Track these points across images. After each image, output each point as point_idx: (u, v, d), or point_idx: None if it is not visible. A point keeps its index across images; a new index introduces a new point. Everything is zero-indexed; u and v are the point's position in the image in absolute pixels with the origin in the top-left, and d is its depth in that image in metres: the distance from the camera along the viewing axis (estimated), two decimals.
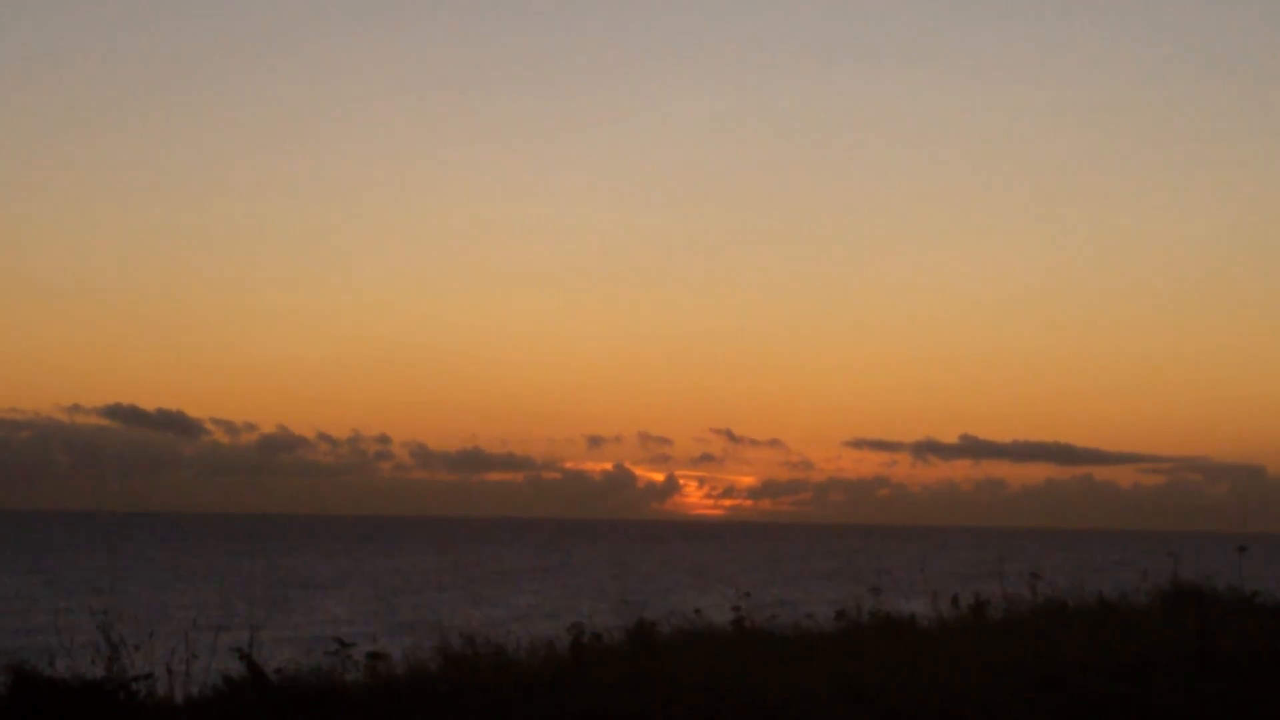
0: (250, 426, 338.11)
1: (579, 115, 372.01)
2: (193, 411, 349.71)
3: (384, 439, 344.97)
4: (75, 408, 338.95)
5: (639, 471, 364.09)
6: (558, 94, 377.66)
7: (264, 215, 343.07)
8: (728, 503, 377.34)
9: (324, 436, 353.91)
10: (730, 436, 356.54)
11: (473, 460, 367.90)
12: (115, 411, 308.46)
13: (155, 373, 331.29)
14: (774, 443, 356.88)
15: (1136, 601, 21.09)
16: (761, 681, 13.95)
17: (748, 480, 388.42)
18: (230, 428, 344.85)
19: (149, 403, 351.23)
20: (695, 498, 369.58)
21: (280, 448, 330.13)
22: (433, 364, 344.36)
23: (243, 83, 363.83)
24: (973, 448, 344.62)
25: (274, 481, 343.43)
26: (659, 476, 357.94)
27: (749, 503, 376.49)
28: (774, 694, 13.42)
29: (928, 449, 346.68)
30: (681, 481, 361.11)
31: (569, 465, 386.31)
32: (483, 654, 14.96)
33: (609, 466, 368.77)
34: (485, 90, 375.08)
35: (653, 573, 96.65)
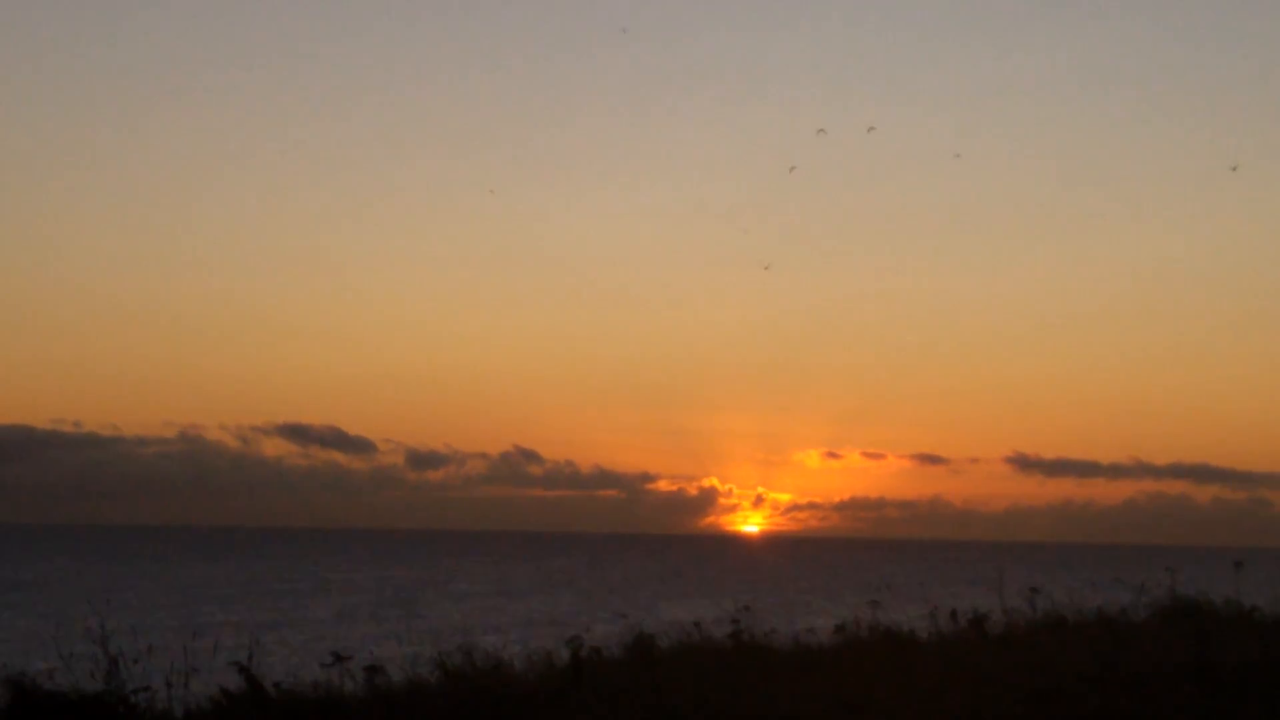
0: (395, 443, 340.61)
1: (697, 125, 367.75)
2: (353, 429, 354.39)
3: (534, 457, 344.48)
4: (244, 426, 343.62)
5: (733, 487, 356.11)
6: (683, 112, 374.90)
7: (420, 232, 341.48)
8: (801, 516, 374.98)
9: (465, 454, 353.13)
10: (870, 454, 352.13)
11: (599, 478, 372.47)
12: (287, 430, 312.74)
13: (322, 390, 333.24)
14: (933, 458, 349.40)
15: (1135, 616, 21.09)
16: (760, 695, 13.94)
17: (851, 495, 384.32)
18: (392, 446, 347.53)
19: (317, 420, 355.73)
20: (776, 512, 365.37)
21: (428, 464, 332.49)
22: (581, 380, 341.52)
23: (394, 95, 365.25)
24: (1136, 468, 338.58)
25: (420, 496, 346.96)
26: (753, 492, 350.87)
27: (813, 520, 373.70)
28: (772, 708, 13.42)
29: (1075, 468, 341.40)
30: (765, 497, 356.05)
31: (660, 486, 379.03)
32: (481, 667, 14.94)
33: (710, 483, 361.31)
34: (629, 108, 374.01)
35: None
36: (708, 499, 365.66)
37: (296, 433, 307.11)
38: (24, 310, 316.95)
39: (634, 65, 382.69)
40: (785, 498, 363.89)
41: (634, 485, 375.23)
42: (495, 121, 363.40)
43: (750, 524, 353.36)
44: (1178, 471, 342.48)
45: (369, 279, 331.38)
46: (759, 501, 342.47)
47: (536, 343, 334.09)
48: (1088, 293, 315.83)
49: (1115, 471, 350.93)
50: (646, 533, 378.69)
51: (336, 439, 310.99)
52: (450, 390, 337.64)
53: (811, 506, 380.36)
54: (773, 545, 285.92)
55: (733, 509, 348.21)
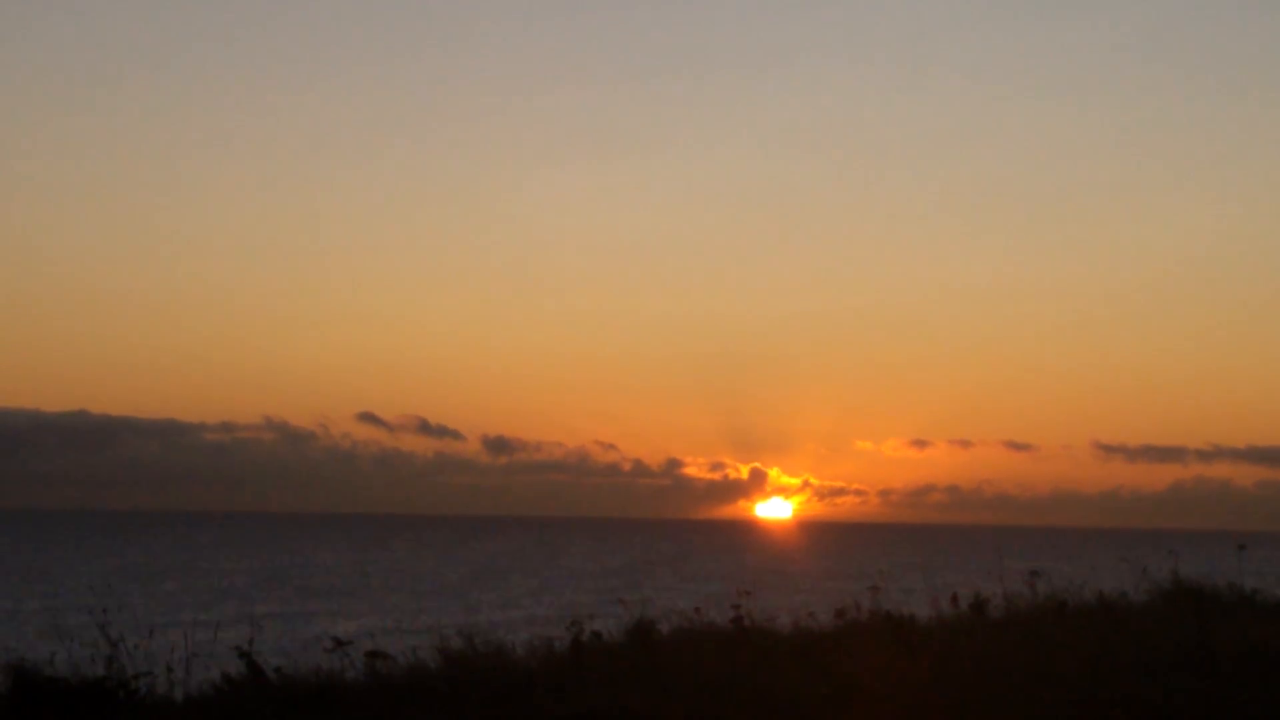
0: (476, 432, 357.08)
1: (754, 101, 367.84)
2: (434, 419, 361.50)
3: (609, 447, 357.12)
4: (327, 414, 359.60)
5: (777, 471, 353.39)
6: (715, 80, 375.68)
7: (502, 219, 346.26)
8: (841, 502, 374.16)
9: (539, 443, 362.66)
10: (958, 442, 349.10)
11: (666, 466, 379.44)
12: (368, 418, 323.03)
13: (402, 380, 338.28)
14: (1020, 445, 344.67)
15: (1136, 600, 21.12)
16: (761, 680, 13.98)
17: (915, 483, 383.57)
18: (473, 435, 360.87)
19: (390, 412, 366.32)
20: (817, 498, 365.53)
21: (501, 452, 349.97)
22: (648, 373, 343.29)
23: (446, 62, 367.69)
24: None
25: (487, 483, 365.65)
26: (798, 479, 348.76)
27: (854, 505, 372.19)
28: (773, 692, 13.45)
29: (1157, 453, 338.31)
30: (810, 483, 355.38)
31: (714, 475, 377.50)
32: (482, 653, 14.97)
33: (748, 469, 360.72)
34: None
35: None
36: (750, 485, 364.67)
37: (377, 421, 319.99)
38: (116, 303, 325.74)
39: (706, 37, 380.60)
40: (837, 484, 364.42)
41: (682, 472, 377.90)
42: (563, 97, 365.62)
43: (780, 509, 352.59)
44: (1254, 456, 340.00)
45: (452, 269, 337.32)
46: (803, 487, 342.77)
47: (616, 331, 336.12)
48: (1172, 272, 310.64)
49: (1198, 456, 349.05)
50: (671, 517, 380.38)
51: (419, 427, 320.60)
52: (530, 380, 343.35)
53: (857, 493, 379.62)
54: (798, 529, 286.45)
55: (771, 494, 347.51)
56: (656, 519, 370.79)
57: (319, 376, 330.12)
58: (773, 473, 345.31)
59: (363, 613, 55.52)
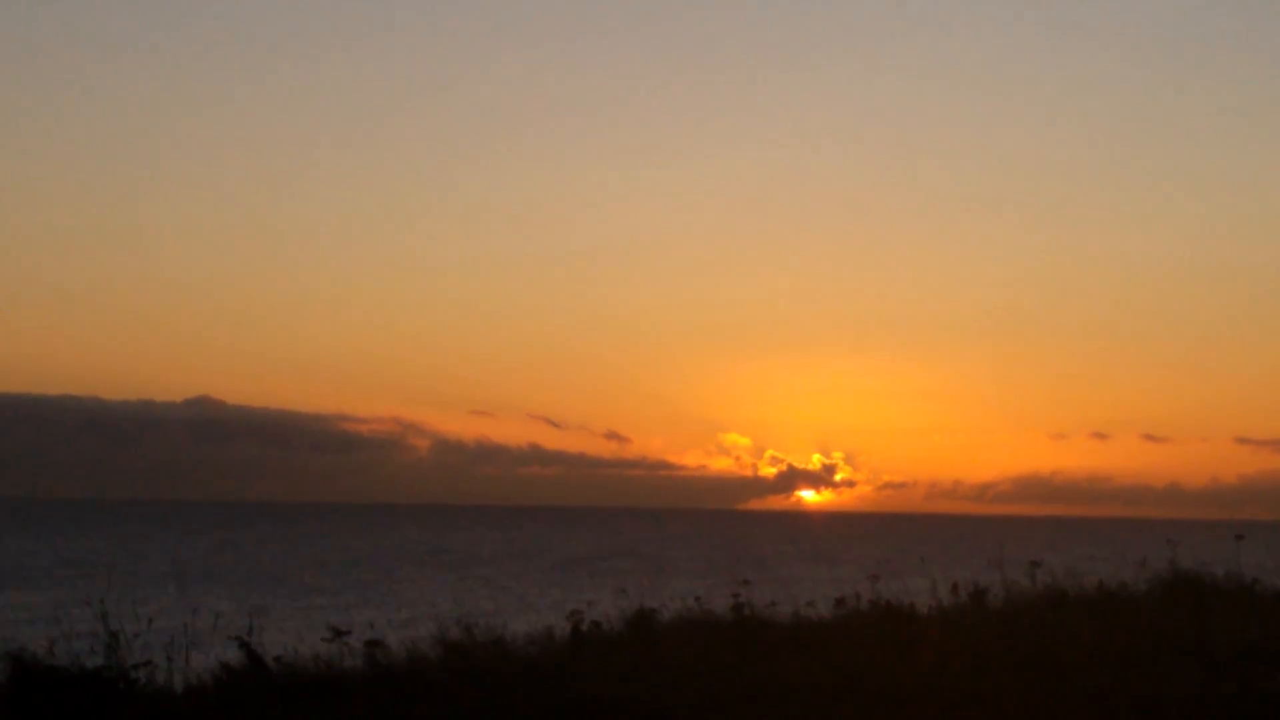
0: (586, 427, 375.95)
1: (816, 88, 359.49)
2: (559, 416, 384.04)
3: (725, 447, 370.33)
4: (443, 410, 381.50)
5: (838, 461, 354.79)
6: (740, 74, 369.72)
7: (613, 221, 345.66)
8: (898, 494, 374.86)
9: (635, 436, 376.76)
10: (1098, 434, 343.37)
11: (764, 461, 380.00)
12: (479, 414, 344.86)
13: (516, 378, 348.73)
14: (1159, 439, 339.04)
15: (1136, 589, 21.10)
16: (761, 669, 13.97)
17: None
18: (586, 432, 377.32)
19: (503, 409, 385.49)
20: (873, 489, 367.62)
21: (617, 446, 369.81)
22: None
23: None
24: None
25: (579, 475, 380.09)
26: (859, 473, 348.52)
27: (907, 496, 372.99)
28: (773, 681, 13.45)
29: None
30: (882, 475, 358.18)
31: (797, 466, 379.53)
32: (481, 642, 14.97)
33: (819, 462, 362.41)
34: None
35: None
36: (819, 477, 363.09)
37: (489, 416, 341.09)
38: (237, 299, 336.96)
39: (764, 32, 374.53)
40: (913, 478, 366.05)
41: (758, 464, 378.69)
42: (655, 95, 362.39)
43: (806, 499, 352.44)
44: None
45: (558, 273, 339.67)
46: (866, 480, 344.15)
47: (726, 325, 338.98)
48: None
49: None
50: (714, 508, 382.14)
51: (530, 423, 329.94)
52: (643, 378, 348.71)
53: (931, 484, 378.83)
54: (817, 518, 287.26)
55: (824, 487, 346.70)
56: (695, 509, 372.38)
57: (436, 373, 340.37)
58: (841, 465, 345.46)
59: (362, 602, 55.57)
